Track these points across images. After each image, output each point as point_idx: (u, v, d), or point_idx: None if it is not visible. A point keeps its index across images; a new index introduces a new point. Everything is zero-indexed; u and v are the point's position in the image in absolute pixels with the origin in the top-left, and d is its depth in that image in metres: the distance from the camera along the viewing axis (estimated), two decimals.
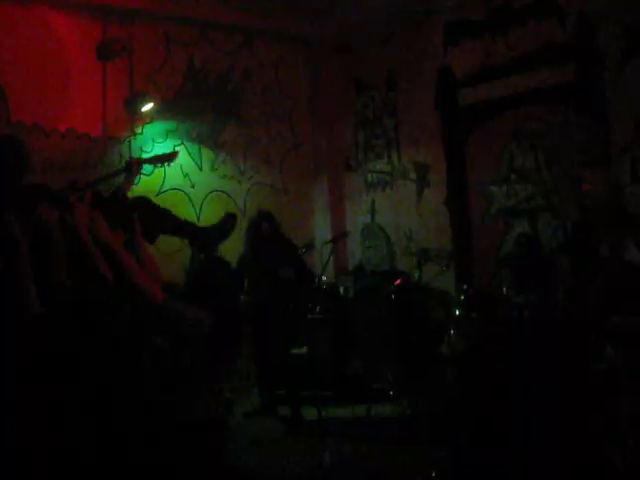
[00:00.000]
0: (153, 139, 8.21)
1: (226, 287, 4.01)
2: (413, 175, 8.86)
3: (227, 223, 4.94)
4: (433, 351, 7.12)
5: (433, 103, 8.51)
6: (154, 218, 4.54)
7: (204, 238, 4.78)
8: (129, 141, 8.03)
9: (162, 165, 5.44)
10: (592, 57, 7.15)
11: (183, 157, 8.39)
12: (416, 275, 7.77)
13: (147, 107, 8.02)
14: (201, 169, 8.63)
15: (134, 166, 4.79)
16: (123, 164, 4.85)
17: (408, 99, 8.84)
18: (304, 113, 9.61)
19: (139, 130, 8.13)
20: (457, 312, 6.96)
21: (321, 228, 9.44)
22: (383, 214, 9.23)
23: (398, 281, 7.55)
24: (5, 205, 3.92)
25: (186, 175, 8.47)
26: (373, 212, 9.31)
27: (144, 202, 4.72)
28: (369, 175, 9.37)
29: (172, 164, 5.24)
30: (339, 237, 7.64)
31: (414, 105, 8.75)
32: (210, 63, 8.77)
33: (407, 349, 7.37)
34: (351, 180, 9.59)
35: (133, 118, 8.07)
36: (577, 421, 4.92)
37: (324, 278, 7.82)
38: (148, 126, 8.19)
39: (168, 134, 8.33)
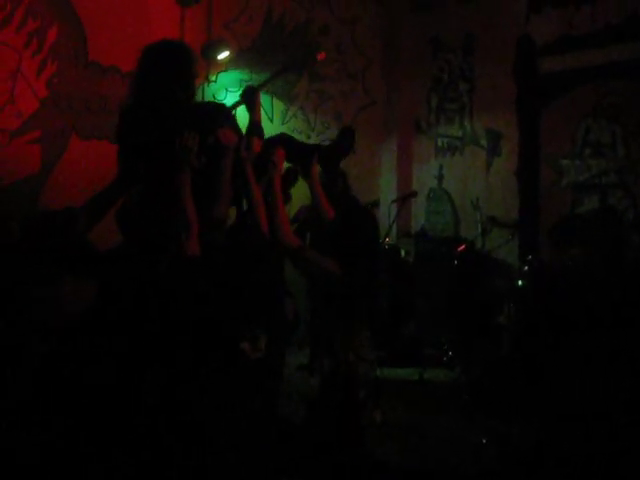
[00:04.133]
0: (226, 88, 8.23)
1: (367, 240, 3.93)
2: (484, 142, 8.74)
3: (346, 139, 4.69)
4: (491, 321, 7.09)
5: (510, 70, 8.35)
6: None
7: (330, 159, 4.53)
8: (202, 88, 8.05)
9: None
10: None
11: None
12: (480, 243, 7.71)
13: (223, 55, 8.03)
14: (272, 121, 8.62)
15: (255, 95, 4.45)
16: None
17: (485, 65, 8.69)
18: (378, 72, 9.51)
19: (213, 78, 8.15)
20: (520, 283, 6.89)
21: (387, 189, 9.38)
22: (450, 179, 9.15)
23: (461, 247, 7.49)
24: (180, 120, 3.71)
25: None
26: (440, 177, 9.23)
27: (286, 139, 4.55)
28: (439, 139, 9.28)
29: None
30: (408, 196, 7.58)
31: (491, 71, 8.59)
32: (288, 15, 8.73)
33: (465, 316, 7.33)
34: (420, 143, 9.50)
35: (208, 65, 8.09)
36: None
37: (387, 239, 7.78)
38: (222, 74, 8.21)
39: (242, 83, 8.31)
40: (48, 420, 3.43)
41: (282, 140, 4.53)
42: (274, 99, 8.62)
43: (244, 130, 4.32)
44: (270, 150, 4.25)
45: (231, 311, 3.47)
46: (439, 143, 9.28)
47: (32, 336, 3.60)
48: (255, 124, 4.37)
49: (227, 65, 8.23)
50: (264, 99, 8.52)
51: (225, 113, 4.00)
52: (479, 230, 7.75)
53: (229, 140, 3.78)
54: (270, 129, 8.56)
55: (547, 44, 8.01)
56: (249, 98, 4.33)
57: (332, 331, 4.09)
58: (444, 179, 9.22)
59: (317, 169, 4.45)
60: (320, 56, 5.37)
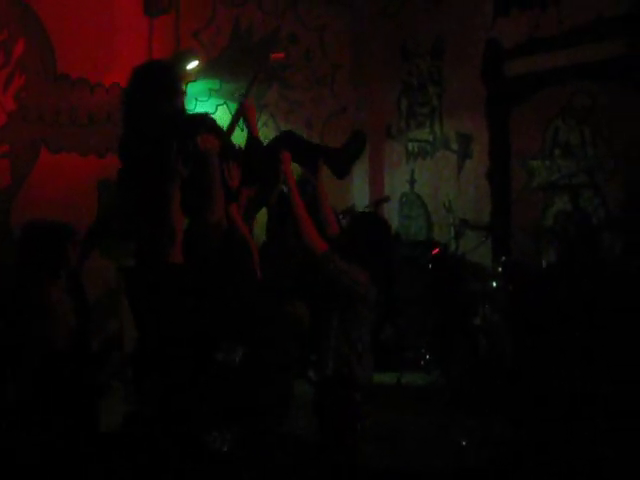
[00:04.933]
0: (196, 97, 8.20)
1: (381, 247, 3.94)
2: (455, 146, 8.78)
3: (356, 142, 4.68)
4: (467, 322, 7.12)
5: (479, 74, 8.40)
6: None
7: (339, 162, 4.53)
8: None
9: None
10: None
11: (225, 117, 8.38)
12: (453, 246, 7.74)
13: (192, 65, 7.99)
14: (242, 130, 8.57)
15: (249, 109, 4.57)
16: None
17: (454, 68, 8.73)
18: (347, 78, 9.53)
19: (182, 88, 8.10)
20: (494, 284, 6.93)
21: (360, 195, 9.39)
22: (422, 184, 9.18)
23: (435, 251, 7.51)
24: (163, 132, 3.79)
25: None
26: (412, 181, 9.26)
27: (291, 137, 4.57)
28: (410, 144, 9.31)
29: None
30: (381, 201, 7.61)
31: (459, 75, 8.64)
32: (255, 24, 8.73)
33: (441, 319, 7.35)
34: (391, 148, 9.53)
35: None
36: None
37: None
38: (191, 84, 8.17)
39: (211, 93, 8.32)
40: (48, 420, 3.46)
41: (287, 139, 4.55)
42: None
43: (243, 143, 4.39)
44: (275, 155, 4.27)
45: (217, 318, 3.51)
46: (410, 148, 9.31)
47: (32, 337, 3.67)
48: (253, 138, 4.45)
49: (196, 75, 8.19)
50: (234, 107, 8.50)
51: (203, 120, 4.07)
52: (452, 233, 7.79)
53: (209, 145, 3.83)
54: (241, 137, 8.56)
55: (515, 46, 8.06)
56: (244, 113, 4.47)
57: (336, 334, 4.11)
58: (416, 183, 9.25)
59: (324, 171, 4.48)
60: (275, 56, 5.42)
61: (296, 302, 4.67)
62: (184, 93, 4.21)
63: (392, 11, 9.33)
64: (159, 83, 4.07)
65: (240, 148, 4.56)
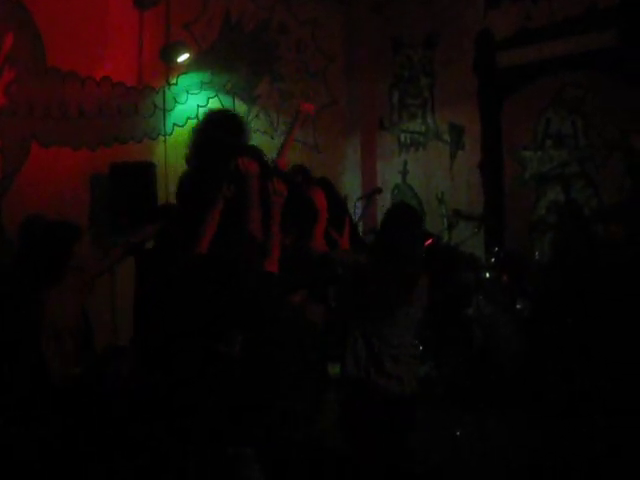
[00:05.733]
0: (187, 90, 8.17)
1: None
2: (447, 137, 8.80)
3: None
4: (460, 314, 7.12)
5: (471, 65, 8.42)
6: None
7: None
8: (163, 91, 7.99)
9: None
10: (635, 22, 7.03)
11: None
12: (446, 237, 7.74)
13: (183, 57, 7.96)
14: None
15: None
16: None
17: (446, 60, 8.75)
18: (339, 71, 9.52)
19: (174, 80, 8.09)
20: (487, 275, 6.94)
21: (352, 187, 9.39)
22: (415, 175, 9.18)
23: (428, 241, 7.50)
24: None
25: None
26: (405, 173, 9.26)
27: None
28: (402, 135, 9.31)
29: None
30: (373, 193, 7.59)
31: (451, 66, 8.66)
32: (246, 16, 8.69)
33: (434, 310, 7.34)
34: (384, 139, 9.52)
35: (168, 68, 8.02)
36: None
37: None
38: (183, 77, 8.14)
39: (202, 85, 8.28)
40: (46, 417, 3.48)
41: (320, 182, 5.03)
42: (236, 100, 8.58)
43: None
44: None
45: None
46: (402, 139, 9.32)
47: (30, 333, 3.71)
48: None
49: (187, 67, 8.17)
50: (226, 100, 8.49)
51: (248, 148, 4.27)
52: (445, 224, 7.79)
53: (249, 168, 3.98)
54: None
55: (506, 38, 8.09)
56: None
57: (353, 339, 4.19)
58: (408, 175, 9.26)
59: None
60: (305, 106, 5.72)
61: (310, 306, 4.70)
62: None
63: (384, 3, 9.32)
64: (235, 134, 4.23)
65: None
